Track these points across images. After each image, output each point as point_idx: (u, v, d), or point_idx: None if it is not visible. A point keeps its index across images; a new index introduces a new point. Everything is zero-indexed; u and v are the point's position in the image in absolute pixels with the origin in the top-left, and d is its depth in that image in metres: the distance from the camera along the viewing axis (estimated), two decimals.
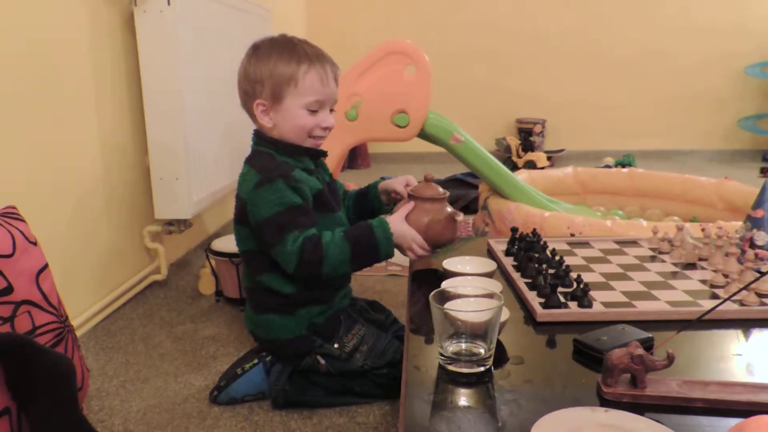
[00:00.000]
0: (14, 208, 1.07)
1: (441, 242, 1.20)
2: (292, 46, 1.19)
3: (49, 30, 1.40)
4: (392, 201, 1.36)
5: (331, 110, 1.25)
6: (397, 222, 1.17)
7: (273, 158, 1.21)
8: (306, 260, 1.11)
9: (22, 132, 1.31)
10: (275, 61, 1.17)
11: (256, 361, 1.25)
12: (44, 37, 1.38)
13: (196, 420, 1.19)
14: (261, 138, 1.25)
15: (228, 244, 1.75)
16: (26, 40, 1.32)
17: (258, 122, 1.24)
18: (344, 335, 1.23)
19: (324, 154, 1.29)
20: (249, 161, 1.24)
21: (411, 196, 1.22)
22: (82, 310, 1.53)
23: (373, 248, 1.14)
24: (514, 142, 4.06)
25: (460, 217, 1.17)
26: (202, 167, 1.86)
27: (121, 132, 1.70)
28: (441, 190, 1.22)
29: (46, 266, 1.05)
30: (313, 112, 1.20)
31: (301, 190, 1.16)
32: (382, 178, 1.42)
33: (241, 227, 1.23)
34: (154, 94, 1.71)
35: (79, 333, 1.50)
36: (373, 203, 1.37)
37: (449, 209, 1.21)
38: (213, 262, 1.76)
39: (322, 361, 1.21)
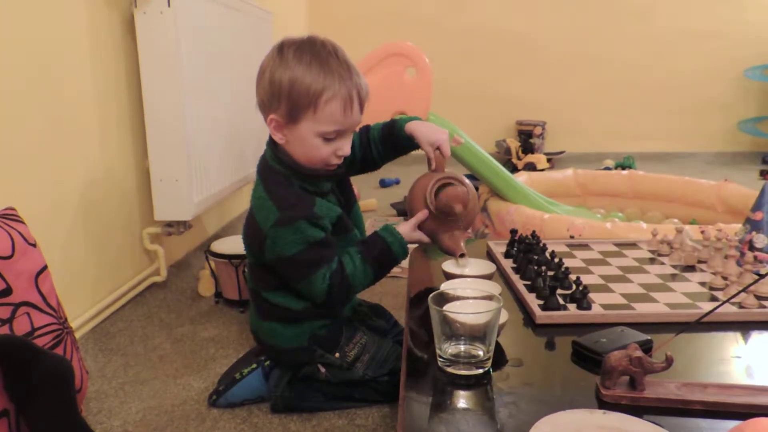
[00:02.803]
0: (13, 209, 1.07)
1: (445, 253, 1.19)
2: (319, 61, 1.07)
3: (49, 31, 1.40)
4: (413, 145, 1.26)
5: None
6: (410, 232, 1.18)
7: (290, 183, 1.13)
8: (335, 294, 1.13)
9: (21, 133, 1.31)
10: (298, 76, 1.06)
11: (254, 365, 1.25)
12: (44, 39, 1.38)
13: (195, 422, 1.19)
14: (275, 152, 1.16)
15: (228, 245, 1.75)
16: (26, 41, 1.32)
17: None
18: (345, 345, 1.22)
19: (340, 176, 1.23)
20: (264, 180, 1.16)
21: (429, 209, 1.15)
22: (82, 312, 1.53)
23: (393, 262, 1.19)
24: (514, 144, 4.06)
25: (465, 260, 1.12)
26: (202, 169, 1.86)
27: (121, 133, 1.70)
28: (461, 186, 1.14)
29: (45, 268, 1.06)
30: (329, 140, 1.11)
31: (324, 226, 1.12)
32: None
33: (253, 249, 1.19)
34: (154, 96, 1.71)
35: (78, 334, 1.50)
36: (402, 143, 1.27)
37: (462, 242, 1.15)
38: (212, 264, 1.76)
39: (323, 370, 1.20)
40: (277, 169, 1.15)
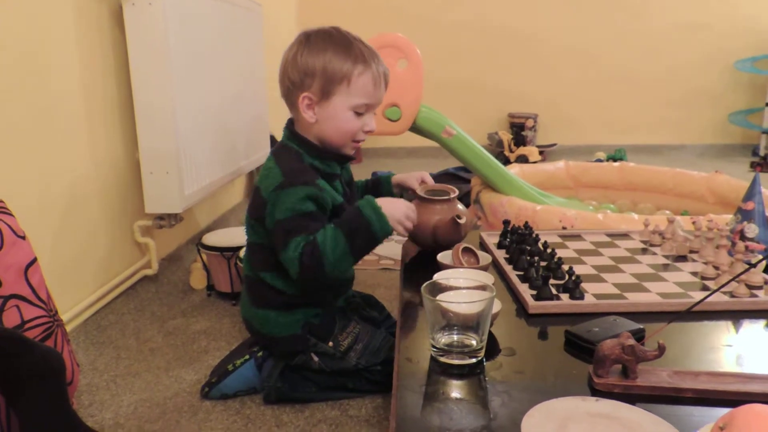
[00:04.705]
0: (2, 201, 1.06)
1: (447, 242, 1.20)
2: (348, 43, 1.15)
3: (37, 24, 1.38)
4: (405, 194, 1.37)
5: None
6: (385, 198, 1.14)
7: (300, 159, 1.17)
8: (306, 265, 1.07)
9: (9, 126, 1.30)
10: (331, 56, 1.13)
11: (247, 356, 1.25)
12: (32, 31, 1.37)
13: (188, 414, 1.19)
14: (293, 133, 1.20)
15: (219, 238, 1.75)
16: (13, 34, 1.31)
17: (299, 115, 1.18)
18: (339, 334, 1.22)
19: (352, 158, 1.26)
20: (276, 156, 1.19)
21: (420, 198, 1.25)
22: (72, 305, 1.52)
23: (366, 228, 1.08)
24: (506, 136, 4.07)
25: (463, 219, 1.18)
26: (193, 161, 1.85)
27: (110, 125, 1.69)
28: (450, 191, 1.26)
29: (34, 260, 1.05)
30: (359, 114, 1.17)
31: (322, 199, 1.13)
32: (375, 173, 1.41)
33: (255, 222, 1.20)
34: (144, 88, 1.69)
35: (69, 328, 1.49)
36: (383, 193, 1.37)
37: (454, 211, 1.21)
38: (204, 257, 1.76)
39: (316, 359, 1.20)
40: (290, 146, 1.20)
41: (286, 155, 1.19)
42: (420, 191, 1.28)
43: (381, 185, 1.39)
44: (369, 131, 1.20)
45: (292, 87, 1.17)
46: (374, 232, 1.08)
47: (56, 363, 0.91)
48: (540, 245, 1.19)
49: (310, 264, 1.07)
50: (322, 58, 1.13)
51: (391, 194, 1.37)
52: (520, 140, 4.09)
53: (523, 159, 3.80)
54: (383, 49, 1.96)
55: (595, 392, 0.72)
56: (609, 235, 1.35)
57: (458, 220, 1.18)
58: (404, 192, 1.38)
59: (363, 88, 1.15)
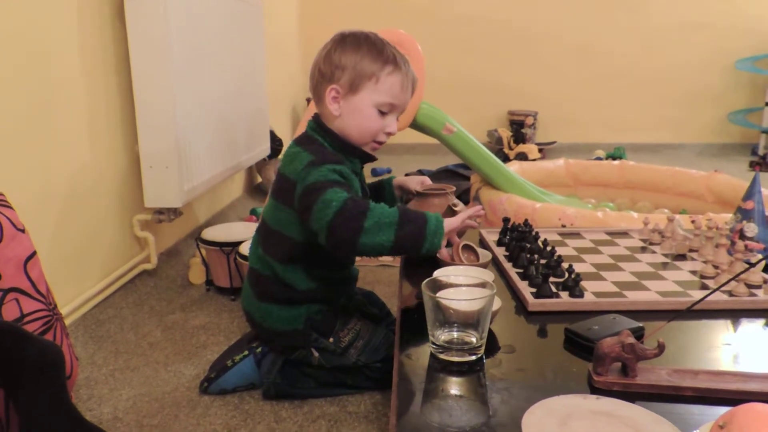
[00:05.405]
0: (2, 195, 1.06)
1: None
2: (382, 46, 1.18)
3: (38, 17, 1.38)
4: (406, 196, 1.39)
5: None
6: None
7: (325, 148, 1.18)
8: (347, 209, 1.01)
9: (9, 119, 1.29)
10: (364, 55, 1.16)
11: (246, 353, 1.25)
12: (33, 24, 1.36)
13: (186, 409, 1.19)
14: (319, 124, 1.21)
15: (219, 233, 1.74)
16: (13, 26, 1.30)
17: (324, 108, 1.19)
18: (340, 330, 1.22)
19: (374, 159, 1.26)
20: (300, 143, 1.20)
21: (418, 193, 1.30)
22: (71, 299, 1.52)
23: (421, 221, 1.03)
24: (505, 134, 4.06)
25: (459, 207, 1.20)
26: (193, 156, 1.84)
27: (110, 119, 1.68)
28: (447, 188, 1.30)
29: (34, 254, 1.04)
30: (383, 114, 1.18)
31: (351, 180, 1.14)
32: (375, 170, 1.41)
33: (280, 205, 1.18)
34: (144, 82, 1.68)
35: (67, 321, 1.49)
36: (387, 198, 1.37)
37: (450, 202, 1.24)
38: (203, 252, 1.75)
39: (316, 354, 1.20)
40: (315, 137, 1.20)
41: (312, 143, 1.19)
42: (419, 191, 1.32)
43: (383, 188, 1.39)
44: (390, 133, 1.21)
45: (321, 79, 1.18)
46: (427, 231, 1.02)
47: (55, 356, 0.91)
48: (540, 243, 1.19)
49: (353, 211, 1.01)
50: (355, 55, 1.16)
51: (393, 196, 1.38)
52: (519, 138, 4.09)
53: (522, 156, 3.80)
54: None
55: (595, 390, 0.72)
56: (609, 233, 1.35)
57: (454, 208, 1.20)
58: (404, 194, 1.38)
59: (390, 88, 1.16)
